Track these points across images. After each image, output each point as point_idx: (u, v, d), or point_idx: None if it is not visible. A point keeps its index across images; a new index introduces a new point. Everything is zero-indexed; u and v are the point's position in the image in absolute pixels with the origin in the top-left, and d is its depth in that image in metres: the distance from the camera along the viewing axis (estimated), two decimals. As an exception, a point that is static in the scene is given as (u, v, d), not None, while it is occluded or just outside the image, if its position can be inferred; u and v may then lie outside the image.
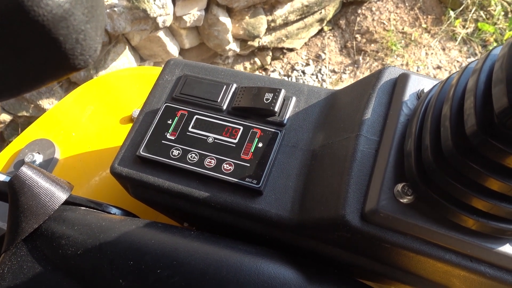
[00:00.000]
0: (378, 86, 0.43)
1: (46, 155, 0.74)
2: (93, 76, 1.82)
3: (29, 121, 2.19)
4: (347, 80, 2.22)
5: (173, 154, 0.49)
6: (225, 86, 0.53)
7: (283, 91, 0.50)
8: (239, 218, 0.47)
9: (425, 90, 0.41)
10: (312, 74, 2.28)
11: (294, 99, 0.51)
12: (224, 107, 0.52)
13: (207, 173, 0.47)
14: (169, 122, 0.51)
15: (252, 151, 0.48)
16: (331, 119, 0.48)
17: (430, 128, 0.34)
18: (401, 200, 0.36)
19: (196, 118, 0.51)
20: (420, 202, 0.36)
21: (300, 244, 0.46)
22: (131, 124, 0.76)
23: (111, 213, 0.52)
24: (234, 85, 0.53)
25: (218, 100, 0.52)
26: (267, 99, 0.50)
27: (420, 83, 0.42)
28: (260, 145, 0.48)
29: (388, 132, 0.40)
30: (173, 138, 0.50)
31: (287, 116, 0.50)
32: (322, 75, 2.27)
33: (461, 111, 0.31)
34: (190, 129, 0.50)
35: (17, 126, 2.22)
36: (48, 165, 0.73)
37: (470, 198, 0.32)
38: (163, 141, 0.50)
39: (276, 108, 0.49)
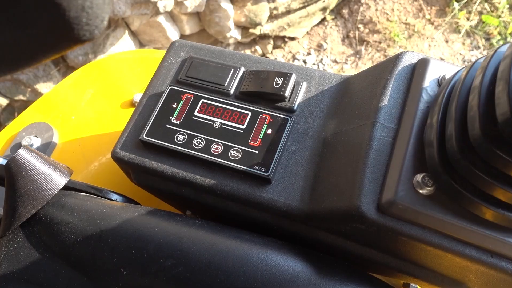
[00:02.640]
0: (396, 72, 0.41)
1: (44, 138, 0.72)
2: (91, 60, 1.78)
3: (25, 105, 2.16)
4: (349, 71, 2.20)
5: (178, 139, 0.47)
6: (232, 70, 0.51)
7: (294, 75, 0.48)
8: (246, 207, 0.45)
9: (447, 77, 0.39)
10: (314, 64, 2.25)
11: (305, 84, 0.49)
12: (232, 92, 0.49)
13: (214, 159, 0.45)
14: (174, 106, 0.49)
15: (260, 137, 0.46)
16: (344, 106, 0.46)
17: (454, 116, 0.32)
18: (421, 191, 0.34)
19: (202, 102, 0.49)
20: (441, 193, 0.34)
21: (309, 235, 0.45)
22: (132, 109, 0.74)
23: (112, 200, 0.50)
24: (242, 69, 0.51)
25: (226, 84, 0.50)
26: (277, 84, 0.47)
27: (440, 69, 0.40)
28: (269, 131, 0.46)
29: (406, 120, 0.38)
30: (178, 123, 0.48)
31: (297, 102, 0.48)
32: (324, 65, 2.24)
33: (491, 98, 0.29)
34: (196, 113, 0.48)
35: (14, 110, 2.18)
36: (46, 149, 0.71)
37: (495, 189, 0.30)
38: (167, 126, 0.48)
39: (287, 93, 0.47)
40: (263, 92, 0.47)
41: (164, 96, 0.49)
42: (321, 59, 2.26)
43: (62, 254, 0.46)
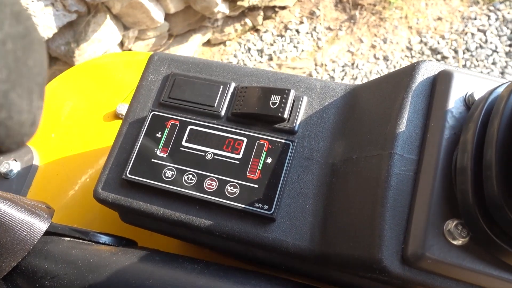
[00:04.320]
0: (413, 88, 0.35)
1: (24, 162, 0.66)
2: (74, 50, 1.70)
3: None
4: (344, 38, 2.10)
5: (166, 175, 0.41)
6: (222, 87, 0.44)
7: (292, 92, 0.42)
8: (249, 247, 0.40)
9: (475, 94, 0.32)
10: (307, 33, 2.16)
11: (305, 99, 0.43)
12: (223, 113, 0.43)
13: (208, 198, 0.40)
14: (158, 135, 0.43)
15: (259, 168, 0.40)
16: (353, 125, 0.40)
17: (496, 150, 0.26)
18: (453, 242, 0.29)
19: (190, 129, 0.43)
20: (475, 243, 0.29)
21: (322, 274, 0.40)
22: (116, 121, 0.68)
23: (100, 243, 0.45)
24: (233, 84, 0.45)
25: (215, 105, 0.43)
26: (274, 103, 0.41)
27: (467, 83, 0.33)
28: (268, 160, 0.40)
29: (430, 151, 0.32)
30: (165, 156, 0.42)
31: (298, 122, 0.42)
32: (317, 33, 2.15)
33: None
34: (183, 143, 0.42)
35: None
36: (28, 173, 0.65)
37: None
38: (152, 160, 0.42)
39: (285, 114, 0.41)
40: (259, 114, 0.41)
41: (146, 123, 0.43)
42: (315, 27, 2.16)
43: (51, 311, 0.42)
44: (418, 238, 0.30)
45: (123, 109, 0.66)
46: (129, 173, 0.42)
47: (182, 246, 0.56)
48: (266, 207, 0.38)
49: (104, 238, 0.46)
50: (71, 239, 0.45)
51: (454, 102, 0.32)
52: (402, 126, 0.34)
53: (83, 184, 0.64)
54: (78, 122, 0.68)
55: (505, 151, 0.26)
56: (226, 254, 0.44)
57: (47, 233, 0.45)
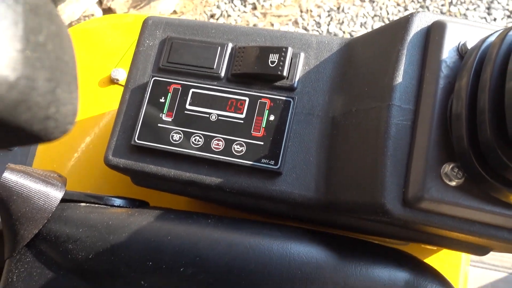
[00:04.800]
0: (408, 40, 0.36)
1: (24, 133, 0.67)
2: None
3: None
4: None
5: (174, 139, 0.43)
6: (219, 48, 0.45)
7: (290, 49, 0.43)
8: (258, 200, 0.43)
9: (468, 43, 0.34)
10: (290, -22, 2.09)
11: (302, 55, 0.44)
12: (222, 74, 0.44)
13: (217, 157, 0.42)
14: (162, 100, 0.44)
15: (263, 126, 0.42)
16: (350, 79, 0.41)
17: (489, 97, 0.28)
18: (450, 183, 0.32)
19: (193, 92, 0.44)
20: (470, 183, 0.32)
21: (329, 219, 0.43)
22: (111, 87, 0.68)
23: (115, 206, 0.48)
24: (230, 45, 0.45)
25: (214, 67, 0.44)
26: (272, 62, 0.42)
27: (460, 33, 0.35)
28: (271, 118, 0.42)
29: (426, 100, 0.34)
30: (170, 120, 0.43)
31: (297, 78, 0.43)
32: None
33: None
34: (187, 106, 0.44)
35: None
36: (29, 148, 0.66)
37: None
38: (159, 125, 0.43)
39: (285, 72, 0.42)
40: (258, 73, 0.42)
41: (149, 90, 0.44)
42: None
43: (76, 271, 0.45)
44: (417, 181, 0.32)
45: (118, 74, 0.67)
46: (138, 139, 0.43)
47: (191, 204, 0.59)
48: (272, 162, 0.41)
49: (118, 201, 0.48)
50: (87, 204, 0.48)
51: (448, 52, 0.34)
52: (399, 78, 0.35)
53: (86, 151, 0.65)
54: (74, 89, 0.68)
55: (497, 97, 0.28)
56: (237, 208, 0.47)
57: (63, 200, 0.47)
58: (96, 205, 0.48)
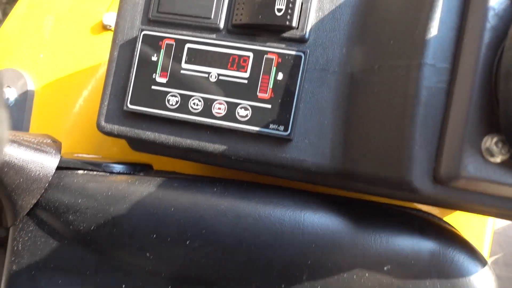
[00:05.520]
0: (445, -19, 0.29)
1: (18, 88, 0.62)
2: None
3: (-11, 6, 1.94)
4: None
5: (170, 103, 0.38)
6: (216, -7, 0.38)
7: (299, -7, 0.36)
8: (267, 167, 0.39)
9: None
10: None
11: (314, -1, 0.37)
12: (222, 25, 0.38)
13: (219, 123, 0.37)
14: (154, 58, 0.38)
15: (271, 86, 0.36)
16: (373, 28, 0.35)
17: None
18: (492, 160, 0.27)
19: (188, 48, 0.38)
20: None
21: (345, 186, 0.39)
22: (104, 33, 0.62)
23: (114, 172, 0.44)
24: (229, -12, 0.39)
25: (212, 16, 0.38)
26: (279, 10, 0.36)
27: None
28: (279, 76, 0.36)
29: (466, 58, 0.28)
30: (165, 81, 0.38)
31: (308, 28, 0.37)
32: None
33: None
34: (183, 65, 0.38)
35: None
36: (25, 100, 0.62)
37: None
38: (153, 87, 0.38)
39: (294, 22, 0.36)
40: (263, 24, 0.36)
41: (138, 46, 0.39)
42: None
43: (80, 242, 0.43)
44: (452, 157, 0.28)
45: (109, 19, 0.60)
46: (130, 103, 0.39)
47: (197, 165, 0.56)
48: (281, 127, 0.36)
49: (118, 167, 0.45)
50: (85, 172, 0.44)
51: (496, -3, 0.27)
52: (434, 29, 0.29)
53: (84, 106, 0.61)
54: (64, 37, 0.63)
55: None
56: (245, 171, 0.43)
57: (59, 168, 0.44)
58: (94, 173, 0.44)
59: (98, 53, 0.62)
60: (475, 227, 0.48)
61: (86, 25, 0.62)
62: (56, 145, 0.46)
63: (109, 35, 0.62)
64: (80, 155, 0.51)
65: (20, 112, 0.63)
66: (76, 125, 0.61)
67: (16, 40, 0.63)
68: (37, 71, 0.63)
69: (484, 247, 0.49)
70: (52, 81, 0.62)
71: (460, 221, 0.49)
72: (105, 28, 0.62)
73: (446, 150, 0.28)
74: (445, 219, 0.41)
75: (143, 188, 0.41)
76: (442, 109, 0.29)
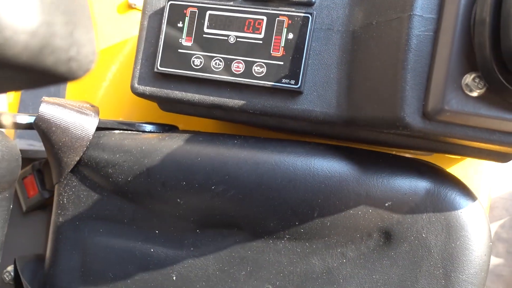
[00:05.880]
0: None
1: (53, 64, 0.69)
2: None
3: None
4: None
5: (195, 63, 0.43)
6: (233, -36, 0.43)
7: (306, -39, 0.41)
8: (281, 119, 0.44)
9: None
10: None
11: (320, -34, 0.42)
12: (238, -7, 0.43)
13: (238, 80, 0.42)
14: (180, 25, 0.44)
15: (282, 45, 0.41)
16: (371, -11, 0.39)
17: None
18: (471, 94, 0.31)
19: (210, 14, 0.43)
20: (491, 93, 0.31)
21: (351, 134, 0.44)
22: (130, 12, 0.67)
23: (146, 131, 0.50)
24: (244, -40, 0.43)
25: (229, -15, 0.43)
26: (288, -24, 0.41)
27: None
28: (290, 36, 0.41)
29: (449, 8, 0.32)
30: (190, 45, 0.44)
31: (315, -9, 0.41)
32: None
33: None
34: (206, 29, 0.43)
35: None
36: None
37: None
38: (179, 50, 0.44)
39: (302, -13, 0.41)
40: (274, -11, 0.41)
41: (166, 15, 0.44)
42: None
43: (118, 192, 0.49)
44: (437, 93, 0.32)
45: (135, -1, 0.66)
46: (160, 66, 0.44)
47: (218, 125, 0.61)
48: (293, 81, 0.41)
49: (149, 127, 0.51)
50: (120, 131, 0.50)
51: (474, -47, 0.32)
52: (421, -16, 0.34)
53: (113, 79, 0.67)
54: (94, 17, 0.68)
55: None
56: (261, 127, 0.49)
57: (98, 128, 0.50)
58: (129, 132, 0.50)
59: (125, 30, 0.67)
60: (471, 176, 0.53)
61: (112, 5, 0.68)
62: (95, 109, 0.52)
63: (135, 13, 0.68)
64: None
65: (56, 87, 0.69)
66: (107, 95, 0.67)
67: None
68: (70, 49, 0.69)
69: (480, 191, 0.53)
70: (84, 58, 0.68)
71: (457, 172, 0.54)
72: (131, 7, 0.67)
73: (433, 88, 0.33)
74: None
75: (172, 142, 0.47)
76: (429, 54, 0.33)
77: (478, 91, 0.31)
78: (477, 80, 0.31)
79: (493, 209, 0.92)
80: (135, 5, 0.67)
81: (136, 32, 0.67)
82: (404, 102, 0.34)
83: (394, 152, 0.49)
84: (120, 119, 0.61)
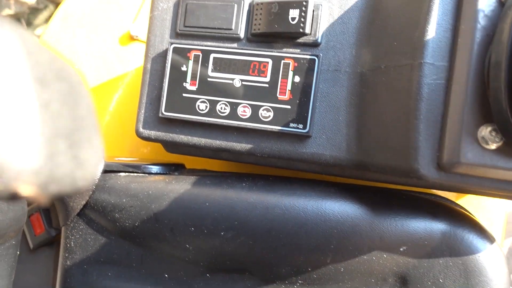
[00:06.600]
0: (441, -13, 0.33)
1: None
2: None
3: (16, 17, 2.03)
4: None
5: (200, 108, 0.43)
6: (236, 6, 0.42)
7: (311, 2, 0.40)
8: (289, 161, 0.43)
9: (510, -12, 0.30)
10: None
11: (325, 5, 0.41)
12: (242, 35, 0.42)
13: (244, 125, 0.41)
14: (184, 68, 0.43)
15: (289, 88, 0.40)
16: (378, 30, 0.38)
17: None
18: (487, 147, 0.30)
19: (214, 57, 0.42)
20: (508, 144, 0.30)
21: (361, 176, 0.43)
22: (132, 43, 0.67)
23: (152, 173, 0.49)
24: (247, 1, 0.43)
25: (233, 27, 0.42)
26: (293, 18, 0.40)
27: (500, -24, 0.31)
28: (296, 79, 0.40)
29: (461, 55, 0.31)
30: (195, 89, 0.43)
31: (320, 32, 0.40)
32: None
33: None
34: (210, 73, 0.42)
35: (7, 26, 2.07)
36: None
37: None
38: (184, 94, 0.43)
39: (307, 29, 0.40)
40: (279, 32, 0.40)
41: (169, 58, 0.43)
42: None
43: (126, 237, 0.48)
44: (452, 146, 0.31)
45: (136, 31, 0.65)
46: (165, 111, 0.43)
47: (226, 163, 0.60)
48: (301, 125, 0.40)
49: (155, 169, 0.50)
50: (126, 173, 0.50)
51: (485, 0, 0.31)
52: (431, 31, 0.33)
53: (116, 112, 0.66)
54: (95, 49, 0.68)
55: None
56: (270, 166, 0.48)
57: (104, 171, 0.49)
58: (135, 174, 0.50)
59: (129, 62, 0.67)
60: (487, 209, 0.52)
61: (114, 36, 0.67)
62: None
63: (137, 45, 0.67)
64: (119, 158, 0.57)
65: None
66: (109, 130, 0.67)
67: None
68: (73, 82, 0.68)
69: (496, 227, 0.52)
70: (89, 90, 0.68)
71: (472, 203, 0.52)
72: (132, 38, 0.67)
73: (447, 140, 0.32)
74: (457, 202, 0.45)
75: (179, 186, 0.46)
76: (442, 103, 0.32)
77: (495, 144, 0.30)
78: (493, 134, 0.30)
79: (509, 223, 0.90)
80: (137, 36, 0.66)
81: (138, 64, 0.67)
82: (418, 153, 0.33)
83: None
84: (128, 158, 0.60)
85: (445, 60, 0.32)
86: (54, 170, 0.14)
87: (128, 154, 0.65)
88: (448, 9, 0.33)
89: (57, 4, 2.30)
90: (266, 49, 0.41)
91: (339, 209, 0.41)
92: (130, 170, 0.50)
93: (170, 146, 0.48)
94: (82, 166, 0.16)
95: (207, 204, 0.44)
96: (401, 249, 0.40)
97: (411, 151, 0.33)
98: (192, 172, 0.50)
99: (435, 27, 0.33)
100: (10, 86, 0.12)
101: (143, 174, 0.49)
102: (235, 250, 0.43)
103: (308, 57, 0.40)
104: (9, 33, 0.13)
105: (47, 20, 2.38)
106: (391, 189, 0.44)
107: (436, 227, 0.40)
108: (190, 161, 0.54)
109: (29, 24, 2.16)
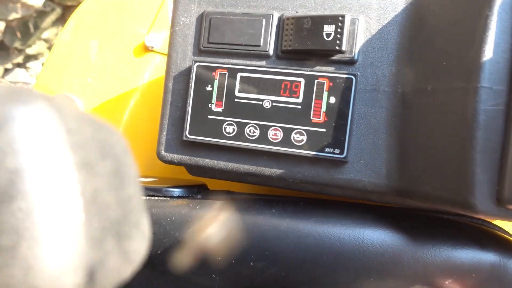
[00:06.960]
0: (498, 2, 0.29)
1: (70, 112, 0.66)
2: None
3: (23, 20, 2.02)
4: None
5: (227, 131, 0.40)
6: (264, 20, 0.39)
7: (347, 17, 0.36)
8: (323, 188, 0.40)
9: None
10: None
11: (361, 19, 0.38)
12: (271, 52, 0.39)
13: (275, 149, 0.39)
14: (209, 88, 0.40)
15: (324, 110, 0.38)
16: (422, 47, 0.35)
17: None
18: (556, 181, 0.27)
19: (241, 76, 0.39)
20: None
21: (400, 202, 0.40)
22: (147, 54, 0.64)
23: (174, 196, 0.47)
24: (276, 15, 0.40)
25: (261, 44, 0.39)
26: (328, 35, 0.37)
27: None
28: (332, 100, 0.37)
29: (524, 80, 0.28)
30: (221, 110, 0.40)
31: (357, 49, 0.37)
32: None
33: None
34: (237, 93, 0.40)
35: (14, 30, 2.06)
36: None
37: None
38: (209, 116, 0.40)
39: (344, 47, 0.37)
40: (312, 49, 0.37)
41: (193, 77, 0.40)
42: None
43: (148, 264, 0.45)
44: (515, 180, 0.28)
45: (151, 41, 0.62)
46: (189, 134, 0.41)
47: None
48: (337, 150, 0.37)
49: (177, 192, 0.47)
50: (147, 197, 0.47)
51: (554, 17, 0.27)
52: (488, 51, 0.29)
53: (127, 125, 0.64)
54: (110, 61, 0.65)
55: None
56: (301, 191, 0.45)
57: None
58: (156, 198, 0.47)
59: (142, 74, 0.64)
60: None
61: (128, 47, 0.65)
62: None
63: (152, 56, 0.64)
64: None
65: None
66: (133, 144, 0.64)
67: (65, 66, 0.67)
68: (86, 95, 0.66)
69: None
70: (102, 104, 0.65)
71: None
72: (147, 49, 0.64)
73: (509, 172, 0.29)
74: (503, 226, 0.42)
75: (203, 212, 0.43)
76: (502, 130, 0.29)
77: None
78: None
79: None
80: (152, 47, 0.63)
81: (153, 76, 0.64)
82: (475, 186, 0.30)
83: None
84: (147, 178, 0.58)
85: (504, 84, 0.29)
86: (101, 280, 0.12)
87: (143, 169, 0.63)
88: (507, 27, 0.29)
89: (64, 7, 2.28)
90: (298, 68, 0.38)
91: (378, 238, 0.38)
92: (151, 193, 0.47)
93: (194, 169, 0.45)
94: (130, 260, 0.14)
95: (235, 232, 0.41)
96: (447, 282, 0.37)
97: (466, 184, 0.30)
98: (215, 194, 0.47)
99: (492, 47, 0.29)
100: (51, 185, 0.10)
101: (164, 198, 0.47)
102: (265, 280, 0.41)
103: (345, 76, 0.37)
104: (43, 112, 0.10)
105: (54, 23, 2.37)
106: (432, 213, 0.41)
107: (484, 257, 0.37)
108: (213, 181, 0.51)
109: (36, 27, 2.14)
